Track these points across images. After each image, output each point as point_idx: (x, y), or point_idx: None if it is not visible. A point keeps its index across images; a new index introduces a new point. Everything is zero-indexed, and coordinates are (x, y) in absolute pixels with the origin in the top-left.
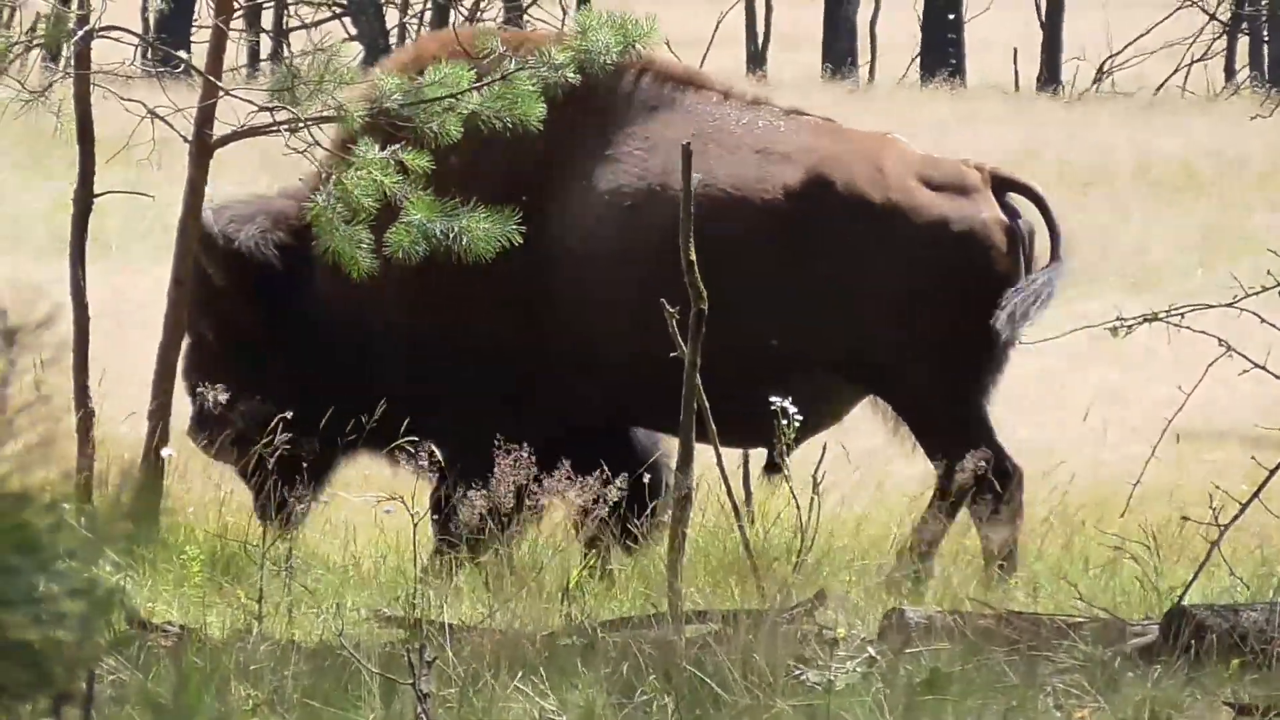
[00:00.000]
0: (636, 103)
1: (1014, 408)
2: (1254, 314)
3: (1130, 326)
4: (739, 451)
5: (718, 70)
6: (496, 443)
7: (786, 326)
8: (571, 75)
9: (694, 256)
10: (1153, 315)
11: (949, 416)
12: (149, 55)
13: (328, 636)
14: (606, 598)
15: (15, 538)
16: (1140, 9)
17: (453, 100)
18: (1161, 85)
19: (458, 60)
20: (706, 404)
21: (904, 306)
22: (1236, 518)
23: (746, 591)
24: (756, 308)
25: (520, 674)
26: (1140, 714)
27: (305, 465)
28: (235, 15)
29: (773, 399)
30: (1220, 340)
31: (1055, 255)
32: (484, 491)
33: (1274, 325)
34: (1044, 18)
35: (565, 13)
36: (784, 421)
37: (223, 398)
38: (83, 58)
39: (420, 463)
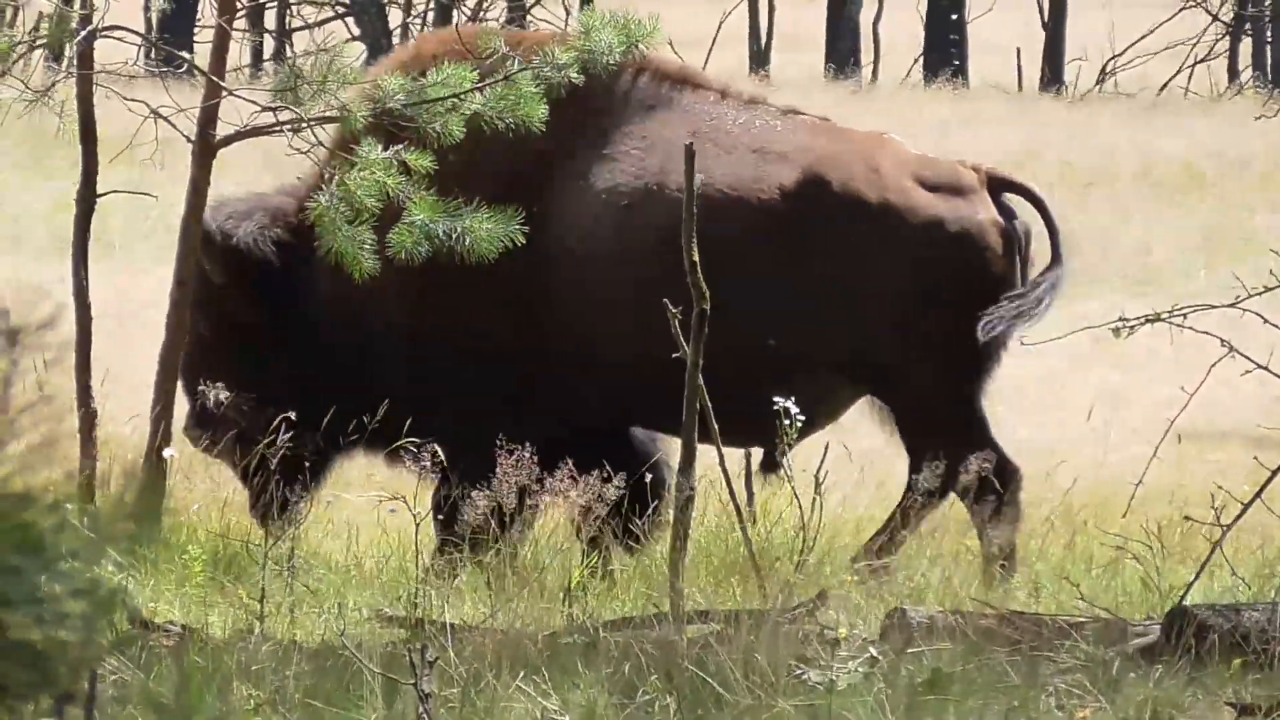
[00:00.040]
0: (634, 102)
1: (1016, 408)
2: (1256, 314)
3: (1132, 327)
4: (740, 451)
5: (720, 70)
6: (499, 443)
7: (783, 326)
8: (575, 75)
9: (696, 257)
10: (1155, 316)
11: (950, 417)
12: (152, 55)
13: (330, 636)
14: (608, 598)
15: (18, 538)
16: (1143, 10)
17: (455, 101)
18: (1164, 86)
19: (458, 60)
20: (709, 404)
21: (900, 307)
22: (1239, 518)
23: (748, 591)
24: (753, 307)
25: (522, 674)
26: (1142, 714)
27: (300, 465)
28: (238, 15)
29: (776, 399)
30: (1223, 341)
31: (1055, 255)
32: (486, 492)
33: (1276, 325)
34: (1047, 18)
35: (568, 13)
36: (786, 421)
37: (220, 396)
38: (85, 57)
39: (422, 463)
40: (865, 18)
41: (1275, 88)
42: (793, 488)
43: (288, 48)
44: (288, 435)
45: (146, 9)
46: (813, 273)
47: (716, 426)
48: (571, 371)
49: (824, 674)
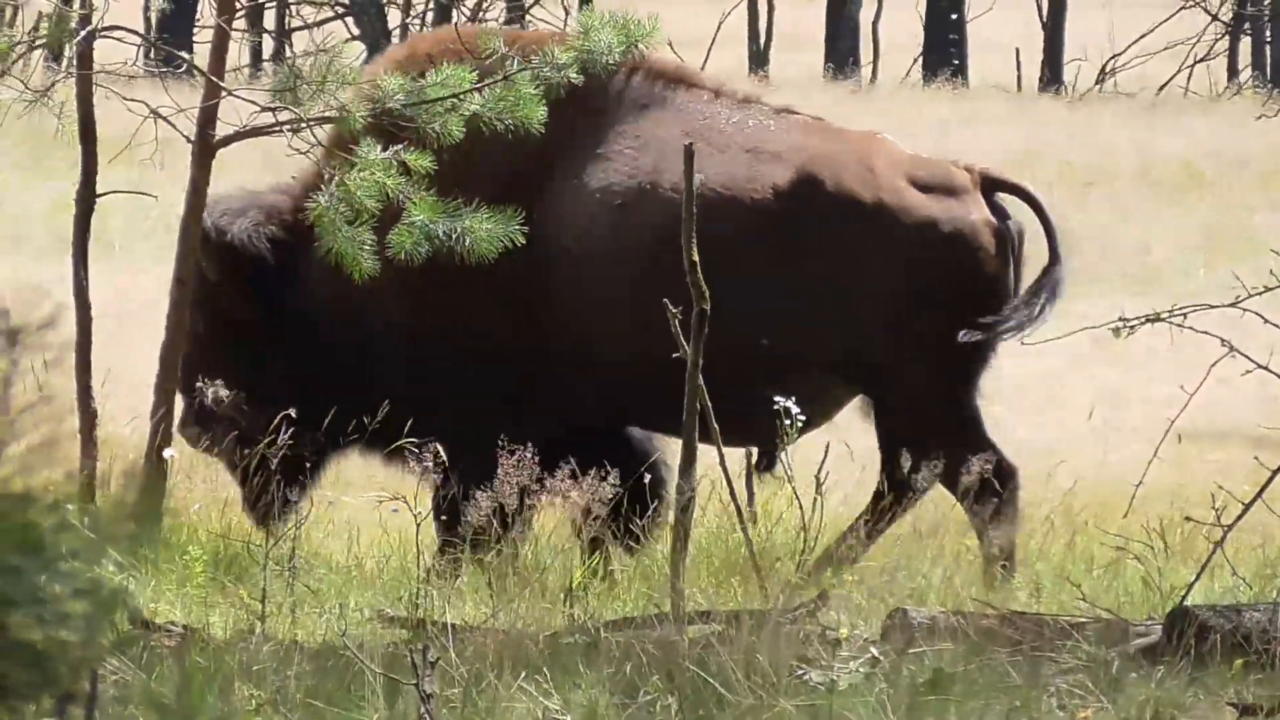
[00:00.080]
0: (628, 101)
1: (1016, 408)
2: (1256, 314)
3: (1133, 327)
4: (741, 452)
5: (720, 70)
6: (501, 443)
7: (777, 326)
8: (574, 76)
9: (696, 257)
10: (1155, 316)
11: (944, 417)
12: (151, 55)
13: (331, 637)
14: (609, 598)
15: (19, 538)
16: (1142, 9)
17: (455, 101)
18: (1164, 86)
19: (455, 59)
20: (709, 404)
21: (893, 307)
22: (1239, 518)
23: (749, 592)
24: (746, 307)
25: (523, 674)
26: (1143, 714)
27: (295, 464)
28: (237, 15)
29: (776, 398)
30: (1223, 340)
31: (1053, 255)
32: (488, 492)
33: (1276, 325)
34: (1046, 18)
35: (567, 13)
36: (786, 421)
37: (215, 394)
38: (85, 58)
39: (425, 464)
40: (865, 17)
41: (1275, 87)
42: (793, 488)
43: (287, 48)
44: (285, 434)
45: (146, 9)
46: (806, 272)
47: (723, 427)
48: (569, 371)
49: (825, 674)
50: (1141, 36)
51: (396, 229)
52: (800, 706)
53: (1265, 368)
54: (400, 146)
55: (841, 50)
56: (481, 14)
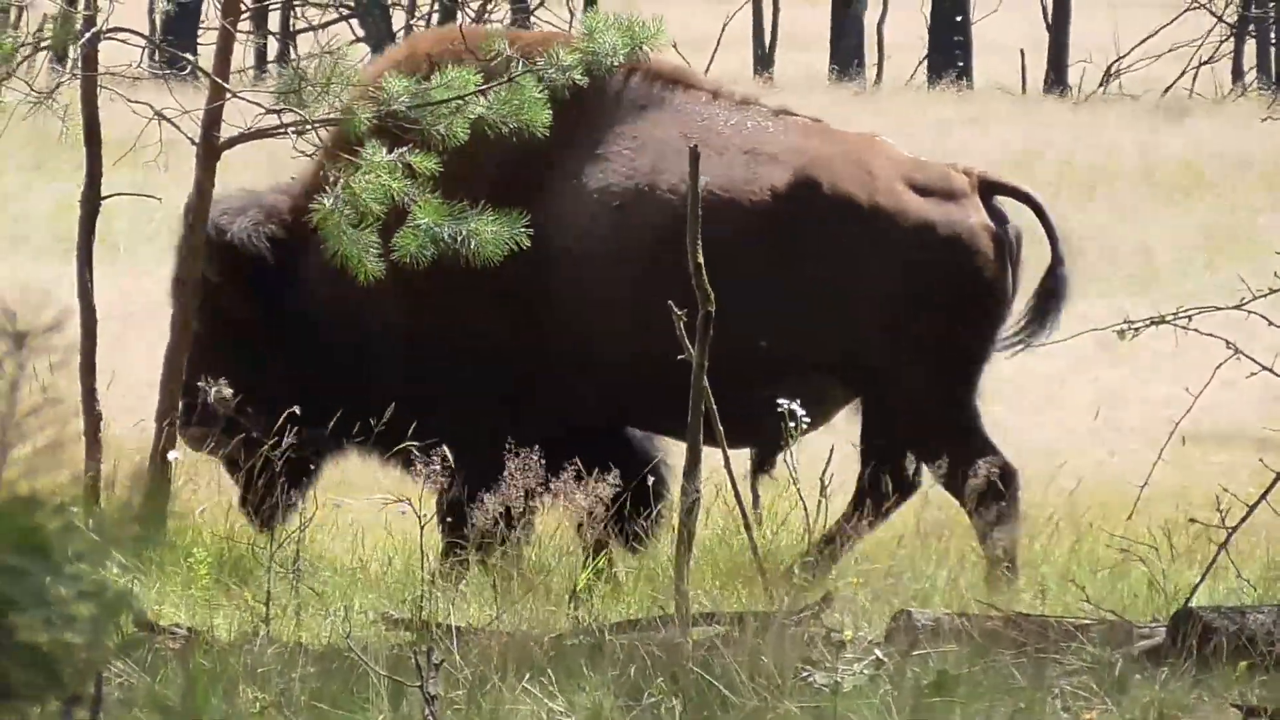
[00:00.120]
0: (626, 102)
1: (1018, 409)
2: (1261, 316)
3: (1137, 329)
4: (747, 453)
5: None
6: (508, 445)
7: (775, 328)
8: (579, 77)
9: (701, 259)
10: (1160, 318)
11: (942, 420)
12: (156, 57)
13: (335, 639)
14: (614, 600)
15: (25, 541)
16: (1147, 11)
17: (459, 102)
18: (1169, 88)
19: (454, 59)
20: (714, 406)
21: (891, 309)
22: (1244, 520)
23: (754, 594)
24: (744, 309)
25: (528, 676)
26: (1148, 716)
27: (293, 464)
28: (242, 17)
29: (780, 400)
30: (1228, 342)
31: (1055, 257)
32: (493, 494)
33: None
34: (1051, 20)
35: (572, 15)
36: (791, 423)
37: (219, 393)
38: (90, 59)
39: (431, 467)
40: (869, 19)
41: (1279, 89)
42: (798, 489)
43: (292, 50)
44: (283, 434)
45: (151, 11)
46: (804, 275)
47: (722, 429)
48: (569, 371)
49: (830, 676)
50: (1146, 39)
51: (402, 231)
52: (805, 708)
53: (1270, 370)
54: (405, 149)
55: (846, 52)
56: (486, 15)
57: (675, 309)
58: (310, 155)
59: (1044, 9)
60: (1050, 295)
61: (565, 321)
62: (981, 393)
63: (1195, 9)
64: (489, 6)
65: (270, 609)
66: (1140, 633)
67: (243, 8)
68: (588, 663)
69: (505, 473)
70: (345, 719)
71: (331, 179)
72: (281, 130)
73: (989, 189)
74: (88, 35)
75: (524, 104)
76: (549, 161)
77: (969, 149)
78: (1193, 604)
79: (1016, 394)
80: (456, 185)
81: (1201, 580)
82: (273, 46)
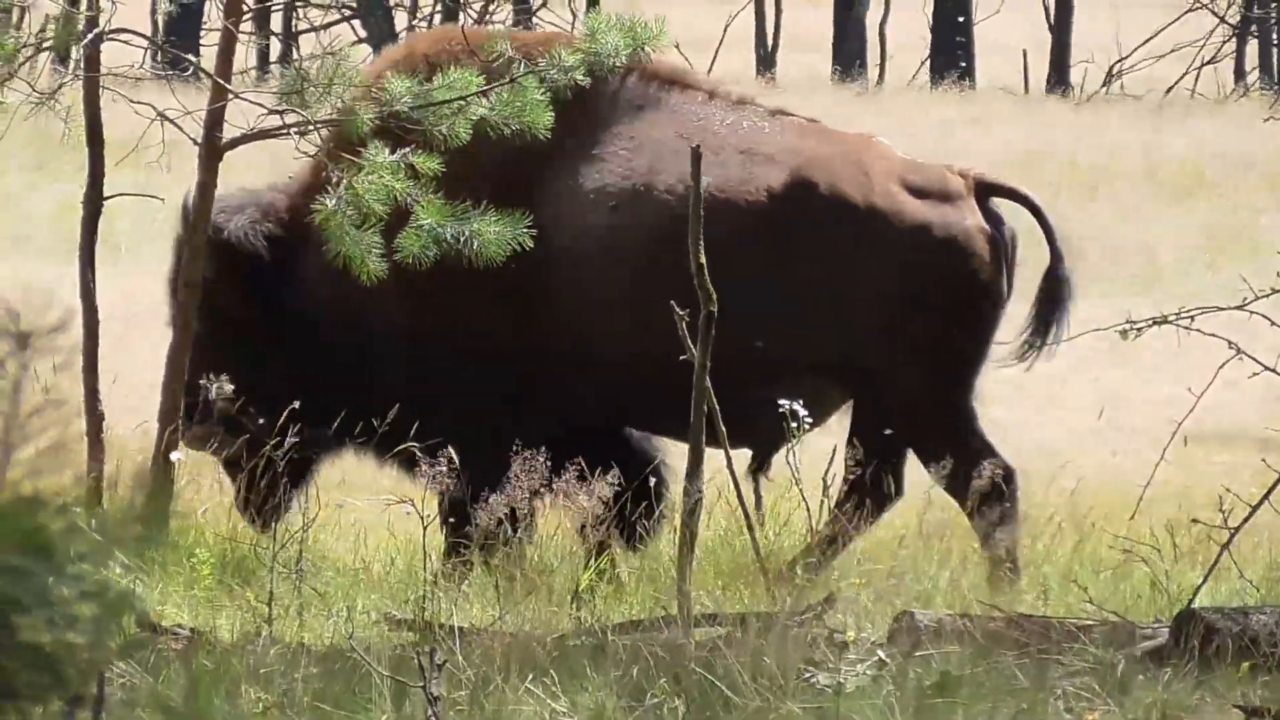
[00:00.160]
0: (623, 102)
1: (1021, 410)
2: (1263, 316)
3: (1140, 330)
4: (747, 453)
5: (727, 72)
6: (515, 447)
7: (771, 329)
8: (581, 78)
9: (704, 259)
10: (1162, 318)
11: (938, 422)
12: (158, 58)
13: (338, 639)
14: (616, 601)
15: (28, 541)
16: (1149, 12)
17: (461, 103)
18: (1171, 88)
19: (452, 58)
20: (717, 407)
21: (886, 311)
22: (1246, 520)
23: (756, 594)
24: (740, 309)
25: (530, 677)
26: (1150, 717)
27: (290, 465)
28: (244, 18)
29: (781, 401)
30: (1230, 343)
31: (1054, 257)
32: (498, 495)
33: None
34: (1053, 21)
35: (575, 15)
36: (793, 424)
37: (220, 391)
38: (92, 60)
39: (437, 468)
40: (872, 20)
41: None
42: (800, 490)
43: (294, 51)
44: (292, 434)
45: (153, 12)
46: (800, 275)
47: (725, 430)
48: (568, 371)
49: (832, 677)
50: (1148, 39)
51: (405, 232)
52: (807, 709)
53: (1272, 370)
54: (408, 149)
55: (849, 52)
56: (488, 16)
57: (677, 309)
58: (313, 156)
59: (1046, 10)
60: (1052, 298)
61: (564, 321)
62: (980, 394)
63: (1197, 9)
64: (491, 7)
65: (273, 609)
66: (1143, 634)
67: (245, 9)
68: (590, 663)
69: (508, 472)
70: (348, 719)
71: (334, 180)
72: (284, 131)
73: (985, 191)
74: (90, 36)
75: (526, 106)
76: (549, 161)
77: (971, 150)
78: (1195, 605)
79: (1018, 394)
80: (455, 185)
81: (1204, 581)
82: (275, 47)
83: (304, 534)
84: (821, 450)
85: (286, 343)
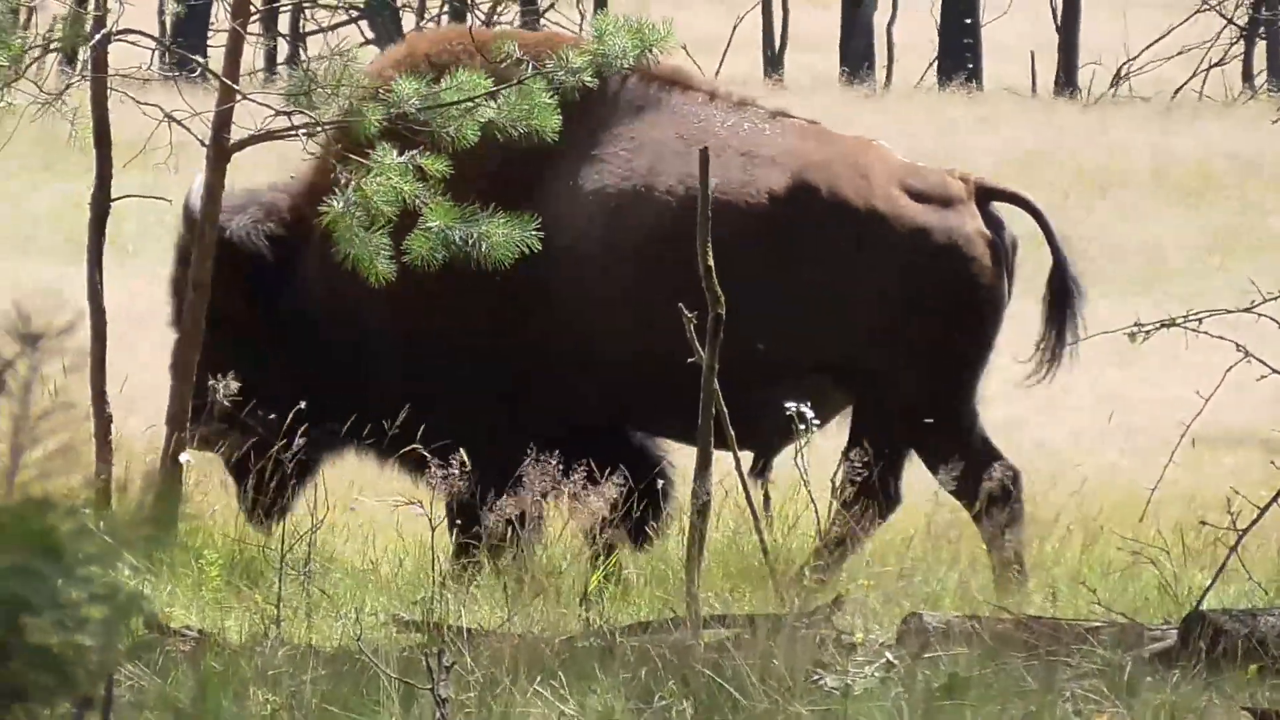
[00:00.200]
0: (624, 103)
1: (1029, 411)
2: (1271, 319)
3: (1148, 332)
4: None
5: (735, 74)
6: (529, 449)
7: (773, 331)
8: (589, 80)
9: (711, 261)
10: (1170, 321)
11: (941, 424)
12: (166, 59)
13: (346, 641)
14: (624, 602)
15: (38, 543)
16: (1157, 13)
17: (469, 105)
18: (1179, 90)
19: (454, 59)
20: (725, 409)
21: (886, 313)
22: (1254, 522)
23: (764, 596)
24: (741, 312)
25: (539, 678)
26: (1159, 719)
27: (293, 464)
28: (252, 19)
29: (789, 404)
30: (1238, 345)
31: (1057, 260)
32: (503, 496)
33: None
34: (1060, 22)
35: (583, 17)
36: (801, 426)
37: (225, 388)
38: (99, 61)
39: (447, 469)
40: (879, 21)
41: None
42: (809, 492)
43: (301, 52)
44: (284, 432)
45: (161, 13)
46: (800, 278)
47: (733, 432)
48: (569, 370)
49: (840, 679)
50: (1156, 40)
51: (414, 234)
52: (815, 711)
53: None
54: (416, 151)
55: (856, 54)
56: (496, 17)
57: (685, 312)
58: (321, 157)
59: (1054, 11)
60: (1059, 304)
61: (566, 321)
62: (983, 396)
63: (1205, 11)
64: (499, 8)
65: (281, 611)
66: (1151, 635)
67: (253, 10)
68: (599, 665)
69: (510, 472)
70: None
71: (343, 181)
72: (292, 132)
73: (986, 195)
74: (97, 37)
75: (534, 108)
76: (550, 161)
77: (979, 151)
78: (1203, 606)
79: (1026, 396)
80: (457, 185)
81: (1212, 583)
82: (283, 48)
83: (312, 535)
84: (828, 452)
85: (290, 342)
